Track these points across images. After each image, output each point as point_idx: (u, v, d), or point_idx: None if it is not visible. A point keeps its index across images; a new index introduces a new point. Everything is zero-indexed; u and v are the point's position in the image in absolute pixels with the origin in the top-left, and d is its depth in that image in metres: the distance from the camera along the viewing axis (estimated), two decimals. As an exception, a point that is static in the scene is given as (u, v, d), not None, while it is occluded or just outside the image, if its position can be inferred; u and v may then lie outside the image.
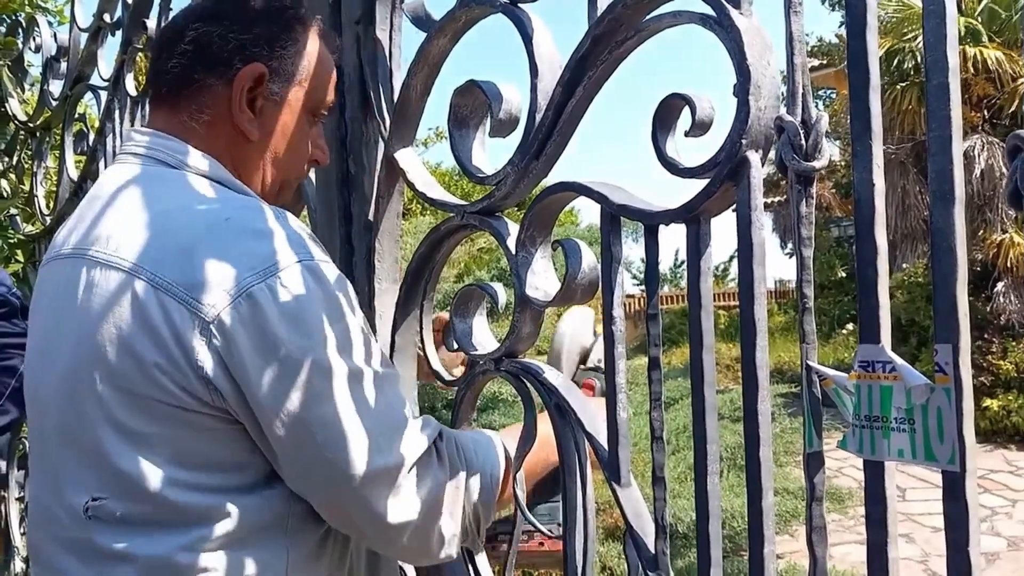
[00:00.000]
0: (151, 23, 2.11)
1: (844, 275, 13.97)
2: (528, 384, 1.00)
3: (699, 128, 0.80)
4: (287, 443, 0.83)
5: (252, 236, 0.84)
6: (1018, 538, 6.24)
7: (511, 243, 1.02)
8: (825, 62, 15.06)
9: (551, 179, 1.01)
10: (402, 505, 0.86)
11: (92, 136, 2.57)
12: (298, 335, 0.81)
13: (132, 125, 2.22)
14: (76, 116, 2.76)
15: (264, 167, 1.02)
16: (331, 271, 0.88)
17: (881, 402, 0.63)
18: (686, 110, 0.80)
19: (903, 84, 11.60)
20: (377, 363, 0.88)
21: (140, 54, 2.28)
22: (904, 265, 11.54)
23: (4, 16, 2.99)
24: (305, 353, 0.81)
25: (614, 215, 0.87)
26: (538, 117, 0.95)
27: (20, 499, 3.14)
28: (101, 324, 0.83)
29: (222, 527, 0.84)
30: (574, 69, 0.90)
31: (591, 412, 0.94)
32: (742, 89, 0.72)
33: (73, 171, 2.74)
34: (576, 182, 0.92)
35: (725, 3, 0.74)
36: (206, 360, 0.80)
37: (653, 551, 0.85)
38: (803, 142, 0.69)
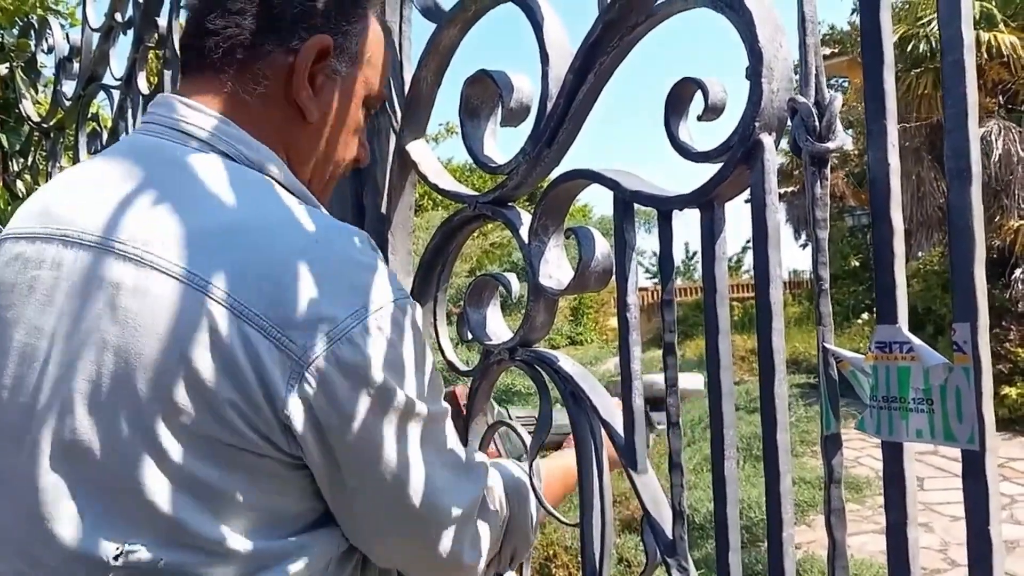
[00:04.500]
0: (162, 21, 2.10)
1: (858, 264, 13.90)
2: (543, 373, 1.00)
3: (712, 112, 0.79)
4: (369, 489, 0.77)
5: (347, 267, 0.75)
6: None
7: (524, 232, 1.02)
8: (837, 50, 14.96)
9: (562, 167, 1.00)
10: (464, 549, 0.84)
11: (105, 136, 2.57)
12: (394, 381, 0.75)
13: None
14: (89, 116, 2.75)
15: (316, 155, 0.91)
16: (416, 309, 0.80)
17: (899, 383, 0.62)
18: (698, 94, 0.79)
19: (917, 70, 11.52)
20: (445, 405, 0.84)
21: (152, 53, 2.27)
22: (920, 253, 11.48)
23: (16, 19, 3.00)
24: (399, 401, 0.75)
25: (627, 201, 0.87)
26: (549, 105, 0.95)
27: None
28: (155, 345, 0.70)
29: (297, 569, 0.76)
30: (585, 56, 0.90)
31: (606, 400, 0.93)
32: (754, 72, 0.72)
33: None
34: (588, 169, 0.92)
35: (736, -14, 0.73)
36: (295, 408, 0.71)
37: (671, 537, 0.85)
38: (817, 123, 0.69)
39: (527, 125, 1.01)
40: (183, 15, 2.03)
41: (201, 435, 0.71)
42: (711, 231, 0.78)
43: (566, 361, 0.99)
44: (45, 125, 3.00)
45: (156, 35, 2.15)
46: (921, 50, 11.50)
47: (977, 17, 10.84)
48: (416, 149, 1.21)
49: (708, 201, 0.78)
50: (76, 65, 2.71)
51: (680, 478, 0.83)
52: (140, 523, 0.71)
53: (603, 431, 0.92)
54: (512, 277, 1.10)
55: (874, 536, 5.82)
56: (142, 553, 0.71)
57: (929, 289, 10.50)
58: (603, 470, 0.92)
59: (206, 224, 0.74)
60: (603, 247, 0.92)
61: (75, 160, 2.75)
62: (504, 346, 1.05)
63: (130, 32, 2.30)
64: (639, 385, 0.87)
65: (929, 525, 5.91)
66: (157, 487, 0.71)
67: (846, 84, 16.19)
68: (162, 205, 0.75)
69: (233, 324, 0.69)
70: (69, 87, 2.74)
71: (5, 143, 3.20)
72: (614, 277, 0.91)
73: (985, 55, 10.97)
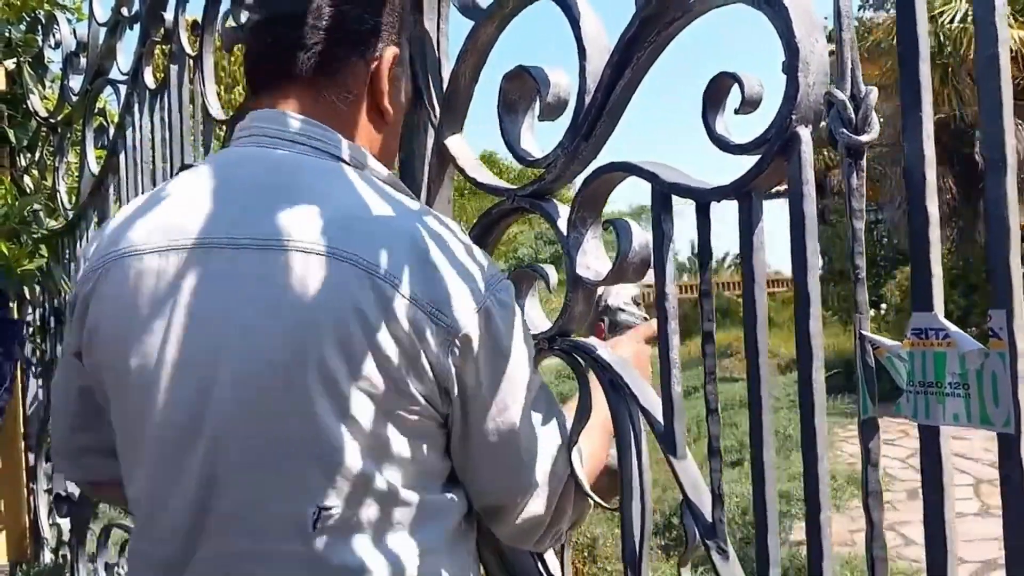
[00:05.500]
0: (168, 15, 2.13)
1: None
2: (581, 361, 1.03)
3: (748, 105, 0.81)
4: (495, 446, 0.88)
5: (469, 250, 0.88)
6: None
7: (562, 224, 1.04)
8: None
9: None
10: (559, 510, 0.94)
11: (112, 130, 2.59)
12: (516, 348, 0.87)
13: (151, 118, 2.26)
14: (96, 111, 2.79)
15: (389, 153, 1.03)
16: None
17: (935, 368, 0.64)
18: (735, 88, 0.81)
19: None
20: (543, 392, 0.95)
21: (158, 48, 2.29)
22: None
23: (23, 14, 3.02)
24: (523, 364, 0.88)
25: (665, 194, 0.89)
26: (587, 99, 0.97)
27: (48, 491, 3.22)
28: (338, 323, 0.79)
29: (448, 520, 0.88)
30: (623, 51, 0.92)
31: (645, 388, 0.96)
32: (791, 66, 0.74)
33: (94, 166, 2.75)
34: (626, 162, 0.94)
35: (772, -17, 0.75)
36: (449, 372, 0.82)
37: (710, 520, 0.87)
38: (853, 116, 0.70)
39: (561, 120, 1.03)
40: (188, 10, 2.06)
41: (381, 401, 0.80)
42: (749, 222, 0.79)
43: (604, 350, 1.02)
44: (52, 120, 3.03)
45: (162, 30, 2.17)
46: (930, 45, 11.35)
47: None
48: (454, 144, 1.23)
49: (746, 193, 0.80)
50: (83, 60, 2.74)
51: (719, 463, 0.85)
52: (334, 485, 0.80)
53: (641, 418, 0.95)
54: (551, 268, 1.12)
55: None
56: (336, 512, 0.80)
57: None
58: (642, 456, 0.94)
59: (350, 215, 0.83)
60: (641, 238, 0.94)
61: (82, 155, 2.78)
62: (543, 336, 1.08)
63: (136, 27, 2.33)
64: (677, 373, 0.90)
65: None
66: (348, 451, 0.79)
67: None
68: (305, 203, 0.84)
69: (400, 302, 0.79)
70: (76, 82, 2.78)
71: (13, 138, 3.23)
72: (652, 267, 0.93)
73: None
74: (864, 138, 0.70)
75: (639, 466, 0.94)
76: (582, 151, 0.99)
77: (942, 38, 10.94)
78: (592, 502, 0.98)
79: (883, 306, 13.09)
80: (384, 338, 0.79)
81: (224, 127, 1.89)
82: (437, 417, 0.85)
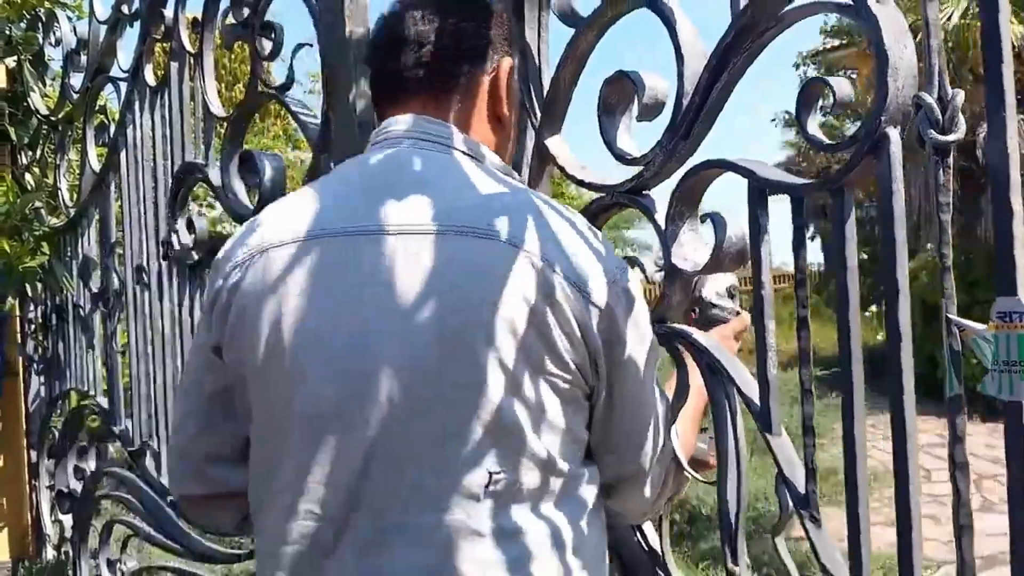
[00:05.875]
0: (168, 13, 2.14)
1: (865, 257, 13.29)
2: (679, 347, 1.10)
3: (839, 107, 0.88)
4: (632, 419, 0.94)
5: (595, 234, 0.95)
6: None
7: (660, 218, 1.11)
8: (845, 41, 14.32)
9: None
10: (664, 484, 1.00)
11: (113, 128, 2.57)
12: (647, 325, 0.94)
13: (152, 115, 2.27)
14: (97, 108, 2.77)
15: (507, 156, 1.10)
16: None
17: (1019, 348, 0.70)
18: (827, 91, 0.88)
19: None
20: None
21: (159, 46, 2.30)
22: (928, 246, 10.92)
23: (24, 12, 2.96)
24: (650, 337, 0.95)
25: (761, 189, 0.96)
26: (685, 101, 1.04)
27: (50, 488, 3.18)
28: (506, 300, 0.84)
29: (584, 486, 0.93)
30: (720, 57, 0.99)
31: (741, 370, 1.03)
32: (881, 71, 0.80)
33: (95, 163, 2.73)
34: (724, 159, 1.01)
35: (863, -3, 0.81)
36: (597, 342, 0.88)
37: (803, 492, 0.94)
38: (940, 117, 0.76)
39: (662, 122, 1.10)
40: (189, 7, 2.08)
41: (545, 371, 0.86)
42: (842, 215, 0.86)
43: (701, 335, 1.09)
44: (53, 118, 3.00)
45: (163, 27, 2.20)
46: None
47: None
48: (554, 144, 1.31)
49: (839, 188, 0.86)
50: (83, 58, 2.73)
51: (812, 440, 0.92)
52: (501, 451, 0.85)
53: (738, 398, 1.02)
54: (647, 260, 1.20)
55: (883, 528, 5.60)
56: (503, 478, 0.85)
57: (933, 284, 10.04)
58: (739, 433, 1.01)
59: (503, 203, 0.90)
60: (738, 230, 1.01)
61: (83, 153, 2.74)
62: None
63: (137, 24, 2.34)
64: (773, 356, 0.97)
65: (936, 517, 5.61)
66: (516, 420, 0.85)
67: (854, 75, 15.44)
68: (449, 191, 0.91)
69: (559, 283, 0.86)
70: (77, 80, 2.76)
71: (14, 136, 3.19)
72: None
73: None
74: (951, 137, 0.76)
75: (736, 443, 1.01)
76: (680, 150, 1.06)
77: (943, 34, 10.58)
78: (689, 477, 1.05)
79: (995, 284, 12.76)
80: (544, 311, 0.84)
81: (224, 124, 1.92)
82: (584, 388, 0.90)
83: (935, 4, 0.77)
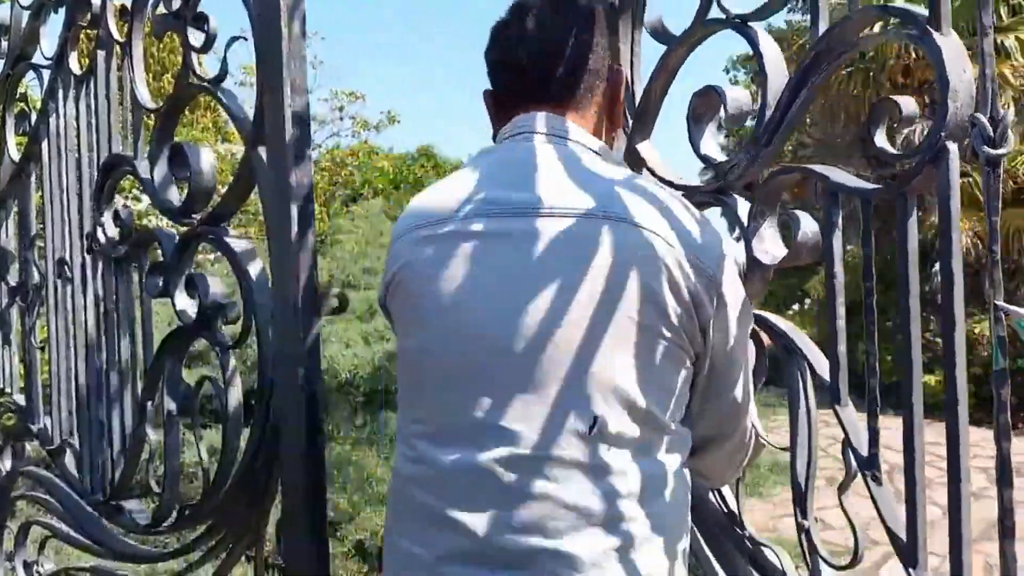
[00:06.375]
0: (96, 0, 2.07)
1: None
2: (759, 330, 1.25)
3: (906, 123, 1.02)
4: (731, 384, 1.10)
5: (697, 213, 1.10)
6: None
7: (742, 215, 1.26)
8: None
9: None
10: (750, 443, 1.18)
11: (34, 116, 2.47)
12: (742, 289, 1.10)
13: (76, 104, 2.21)
14: (17, 96, 2.61)
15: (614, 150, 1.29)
16: None
17: (1053, 329, 0.84)
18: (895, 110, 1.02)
19: (849, 69, 11.29)
20: None
21: (83, 33, 2.21)
22: (848, 247, 10.82)
23: None
24: (746, 303, 1.10)
25: (834, 192, 1.10)
26: (768, 114, 1.19)
27: None
28: (630, 273, 1.00)
29: (680, 445, 1.08)
30: (799, 77, 1.13)
31: (814, 350, 1.17)
32: (942, 93, 0.94)
33: (14, 153, 2.61)
34: (801, 165, 1.16)
35: (928, 27, 0.95)
36: (709, 312, 1.03)
37: (866, 455, 1.08)
38: (992, 134, 0.90)
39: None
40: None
41: (656, 333, 1.01)
42: (904, 216, 1.00)
43: (777, 319, 1.24)
44: None
45: (89, 14, 2.11)
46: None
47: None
48: (645, 148, 1.47)
49: (902, 193, 1.00)
50: (4, 43, 2.59)
51: (875, 408, 1.06)
52: (608, 403, 1.00)
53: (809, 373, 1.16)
54: (740, 248, 1.35)
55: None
56: (608, 424, 0.99)
57: (855, 280, 10.01)
58: (810, 404, 1.16)
59: (626, 188, 1.06)
60: (812, 226, 1.15)
61: (2, 141, 2.62)
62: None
63: (62, 11, 2.24)
64: (842, 337, 1.11)
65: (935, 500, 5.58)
66: (624, 375, 1.00)
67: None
68: (596, 180, 1.07)
69: (675, 258, 1.01)
70: None
71: None
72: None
73: (913, 55, 10.76)
74: (1001, 151, 0.90)
75: (808, 413, 1.16)
76: (762, 156, 1.21)
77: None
78: (764, 443, 1.21)
79: (807, 300, 14.17)
80: (661, 282, 1.00)
81: (153, 116, 1.88)
82: (692, 353, 1.05)
83: (990, 39, 0.90)
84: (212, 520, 1.79)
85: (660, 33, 1.45)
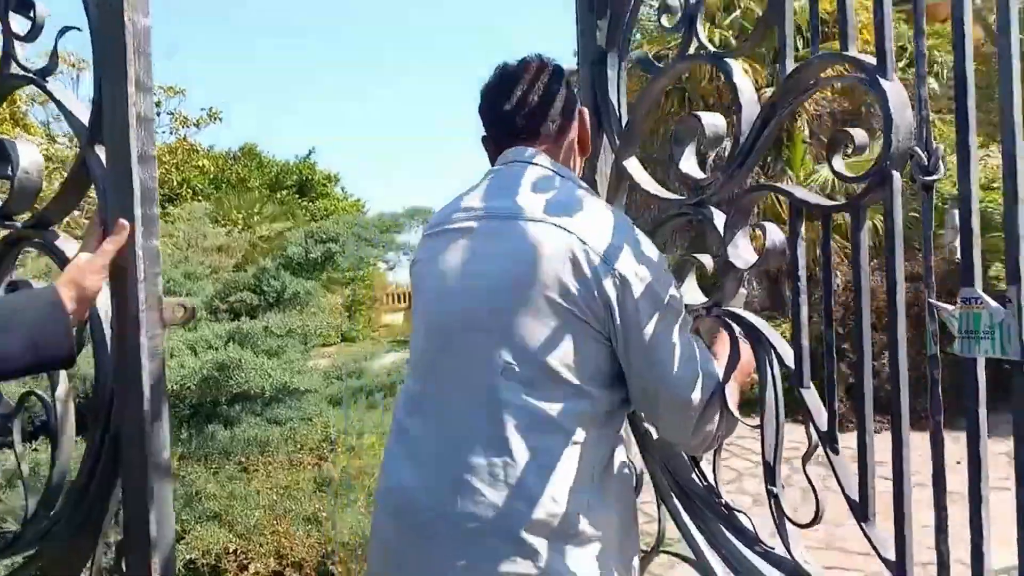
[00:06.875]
0: None
1: None
2: (733, 324, 1.45)
3: (859, 151, 1.22)
4: (641, 361, 1.30)
5: (628, 222, 1.36)
6: (761, 495, 6.09)
7: (719, 225, 1.46)
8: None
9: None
10: (709, 408, 1.33)
11: None
12: (659, 294, 1.31)
13: None
14: None
15: (580, 172, 1.58)
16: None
17: (974, 322, 1.04)
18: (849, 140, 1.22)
19: (668, 88, 11.50)
20: (685, 319, 1.37)
21: None
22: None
23: None
24: (663, 307, 1.30)
25: (798, 207, 1.30)
26: (742, 139, 1.39)
27: None
28: (543, 260, 1.29)
29: (581, 405, 1.30)
30: (768, 109, 1.33)
31: (781, 340, 1.37)
32: (887, 129, 1.14)
33: None
34: (771, 184, 1.36)
35: (876, 75, 1.16)
36: (608, 290, 1.29)
37: (826, 428, 1.28)
38: (926, 162, 1.10)
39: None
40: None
41: (559, 304, 1.29)
42: (858, 227, 1.21)
43: (749, 315, 1.44)
44: None
45: None
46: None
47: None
48: (631, 165, 1.66)
49: (856, 208, 1.21)
50: None
51: (834, 391, 1.27)
52: (518, 354, 1.30)
53: (776, 361, 1.37)
54: (706, 258, 1.55)
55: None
56: (516, 368, 1.29)
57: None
58: (777, 386, 1.36)
59: (558, 199, 1.37)
60: (780, 236, 1.35)
61: None
62: (702, 307, 1.50)
63: None
64: (805, 330, 1.31)
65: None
66: (532, 330, 1.29)
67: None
68: (543, 194, 1.38)
69: (580, 248, 1.29)
70: None
71: None
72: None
73: (722, 76, 10.63)
74: (934, 177, 1.10)
75: (775, 393, 1.36)
76: (736, 176, 1.41)
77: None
78: (738, 420, 1.40)
79: (960, 279, 13.60)
80: (570, 272, 1.28)
81: None
82: (601, 330, 1.30)
83: (924, 83, 1.10)
84: (36, 548, 1.69)
85: (645, 63, 1.65)
